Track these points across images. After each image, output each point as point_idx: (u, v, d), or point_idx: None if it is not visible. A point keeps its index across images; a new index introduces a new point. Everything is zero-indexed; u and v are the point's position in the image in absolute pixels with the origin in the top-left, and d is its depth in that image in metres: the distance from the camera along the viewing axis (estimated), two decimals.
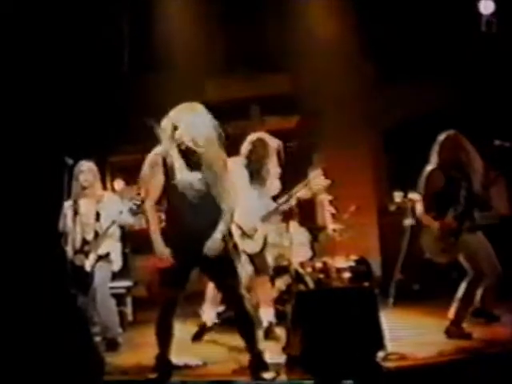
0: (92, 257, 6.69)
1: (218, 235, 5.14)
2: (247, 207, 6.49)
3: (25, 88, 8.13)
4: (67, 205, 6.74)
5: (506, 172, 10.00)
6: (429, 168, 6.58)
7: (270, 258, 7.51)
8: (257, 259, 6.74)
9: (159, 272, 5.23)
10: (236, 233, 6.23)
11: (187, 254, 5.10)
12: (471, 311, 6.39)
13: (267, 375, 5.01)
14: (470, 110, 9.75)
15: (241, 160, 6.80)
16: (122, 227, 7.11)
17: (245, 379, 5.05)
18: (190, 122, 5.13)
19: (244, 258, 6.57)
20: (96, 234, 6.75)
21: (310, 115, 11.06)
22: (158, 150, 5.21)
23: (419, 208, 6.59)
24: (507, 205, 9.96)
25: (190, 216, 5.09)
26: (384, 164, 10.86)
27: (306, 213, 9.07)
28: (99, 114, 9.59)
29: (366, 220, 9.55)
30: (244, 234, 6.65)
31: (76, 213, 6.75)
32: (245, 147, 6.92)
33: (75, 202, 6.81)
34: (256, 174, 6.83)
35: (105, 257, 6.77)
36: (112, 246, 6.89)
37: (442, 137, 6.61)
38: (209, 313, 6.95)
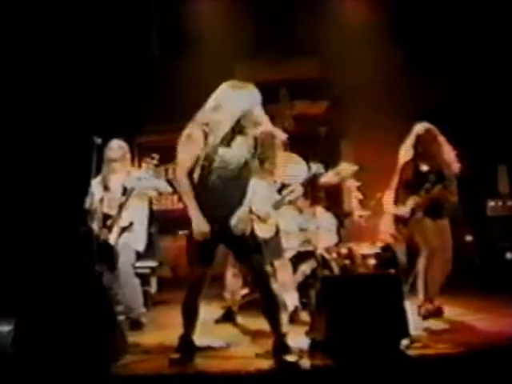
0: (115, 230, 6.68)
1: (245, 208, 5.15)
2: (260, 194, 6.53)
3: (55, 69, 8.18)
4: (95, 182, 6.76)
5: None
6: (402, 160, 6.81)
7: (293, 243, 7.56)
8: (271, 244, 6.76)
9: (187, 250, 5.24)
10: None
11: (214, 230, 5.10)
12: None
13: (290, 358, 4.99)
14: (497, 102, 9.68)
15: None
16: (150, 202, 7.14)
17: (268, 363, 5.04)
18: (231, 99, 5.14)
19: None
20: (120, 208, 6.73)
21: (340, 101, 11.02)
22: (200, 121, 5.19)
23: (388, 197, 6.81)
24: None
25: (220, 192, 5.10)
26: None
27: (333, 198, 9.06)
28: (128, 94, 9.62)
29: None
30: (259, 220, 6.66)
31: (106, 188, 6.81)
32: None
33: (104, 179, 6.86)
34: (263, 164, 6.84)
35: (128, 228, 6.72)
36: (135, 216, 6.82)
37: (418, 129, 6.82)
38: (232, 298, 6.98)
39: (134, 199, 6.73)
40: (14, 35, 7.96)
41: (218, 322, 6.93)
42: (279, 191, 6.96)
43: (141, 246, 6.95)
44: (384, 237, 6.86)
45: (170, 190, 7.12)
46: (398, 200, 6.71)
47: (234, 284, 6.87)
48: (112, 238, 6.66)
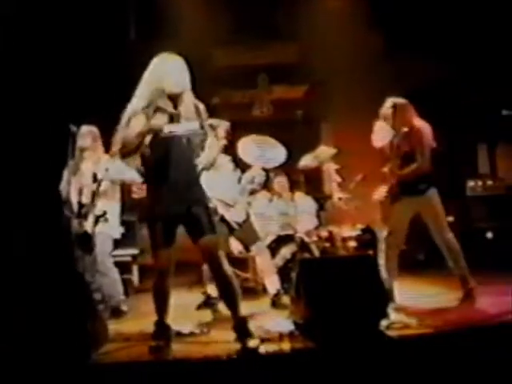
0: (90, 218, 6.59)
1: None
2: (224, 181, 6.57)
3: (30, 55, 8.11)
4: (67, 170, 6.71)
5: None
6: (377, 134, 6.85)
7: (273, 227, 7.59)
8: (244, 228, 6.80)
9: (149, 235, 5.22)
10: (219, 205, 6.35)
11: (171, 210, 5.10)
12: None
13: (251, 343, 4.98)
14: (479, 80, 9.70)
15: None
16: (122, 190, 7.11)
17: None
18: (169, 70, 5.15)
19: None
20: (93, 196, 6.68)
21: (318, 85, 11.02)
22: (138, 104, 5.12)
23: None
24: None
25: (172, 171, 5.08)
26: None
27: (312, 182, 9.07)
28: (105, 80, 9.54)
29: (373, 189, 9.51)
30: (227, 205, 6.71)
31: (74, 174, 6.76)
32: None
33: (75, 166, 6.80)
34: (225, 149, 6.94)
35: (102, 216, 6.65)
36: (107, 206, 6.72)
37: (393, 100, 6.83)
38: (211, 286, 7.00)
39: (104, 188, 6.70)
40: None
41: (199, 307, 6.96)
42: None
43: (116, 233, 6.95)
44: None
45: (137, 180, 7.08)
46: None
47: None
48: (88, 227, 6.61)
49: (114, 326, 5.84)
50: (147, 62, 5.35)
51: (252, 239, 6.93)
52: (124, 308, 6.81)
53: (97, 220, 6.55)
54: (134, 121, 5.06)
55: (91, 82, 9.02)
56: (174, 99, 5.16)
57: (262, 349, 4.93)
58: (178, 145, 5.09)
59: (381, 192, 6.67)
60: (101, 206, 6.63)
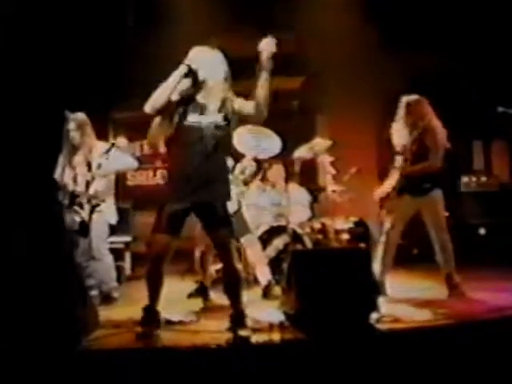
0: (87, 207, 6.61)
1: None
2: None
3: (27, 40, 8.07)
4: (61, 158, 6.69)
5: (509, 139, 10.06)
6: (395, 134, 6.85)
7: (266, 217, 7.60)
8: (235, 219, 6.81)
9: (156, 217, 5.20)
10: None
11: (185, 198, 5.11)
12: None
13: (243, 332, 5.00)
14: (476, 76, 9.69)
15: None
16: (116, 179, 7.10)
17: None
18: (206, 62, 5.19)
19: None
20: (87, 185, 6.67)
21: (315, 76, 11.00)
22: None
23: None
24: (508, 172, 9.97)
25: (194, 160, 5.07)
26: (387, 127, 10.83)
27: (306, 173, 9.07)
28: (103, 68, 9.52)
29: (367, 182, 9.54)
30: None
31: (68, 164, 6.73)
32: None
33: (69, 156, 6.77)
34: None
35: (97, 206, 6.65)
36: (103, 193, 6.74)
37: (407, 99, 6.75)
38: (204, 273, 7.00)
39: (97, 187, 6.68)
40: None
41: (190, 296, 6.96)
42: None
43: (113, 219, 6.94)
44: None
45: (133, 166, 7.09)
46: None
47: (205, 262, 6.89)
48: (84, 215, 6.59)
49: (104, 313, 5.80)
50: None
51: (242, 231, 6.91)
52: (115, 295, 6.81)
53: (92, 209, 6.56)
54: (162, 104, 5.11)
55: (88, 69, 9.00)
56: (205, 90, 5.19)
57: (252, 339, 4.94)
58: (202, 136, 5.08)
59: (385, 187, 6.67)
60: (97, 195, 6.63)
